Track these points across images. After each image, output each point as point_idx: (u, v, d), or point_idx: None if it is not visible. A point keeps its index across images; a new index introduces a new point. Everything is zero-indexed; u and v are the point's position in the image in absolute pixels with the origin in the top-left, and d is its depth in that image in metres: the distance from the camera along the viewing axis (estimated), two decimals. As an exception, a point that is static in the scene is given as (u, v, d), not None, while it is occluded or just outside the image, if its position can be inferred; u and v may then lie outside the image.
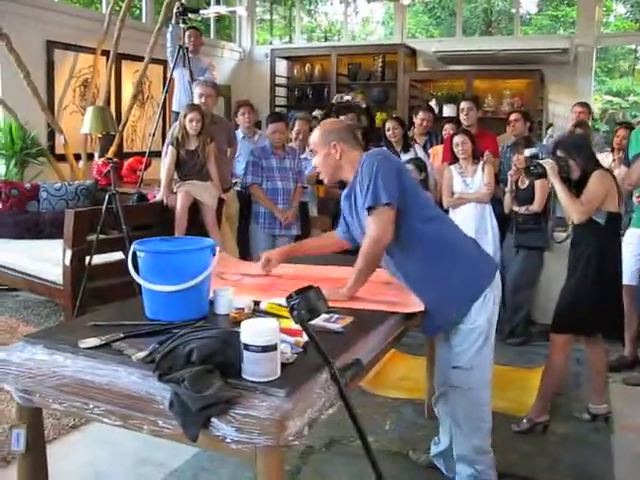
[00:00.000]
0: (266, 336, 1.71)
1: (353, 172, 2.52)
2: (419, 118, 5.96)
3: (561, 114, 7.68)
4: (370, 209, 2.37)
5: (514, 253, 4.71)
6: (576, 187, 3.25)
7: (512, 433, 3.30)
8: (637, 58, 12.61)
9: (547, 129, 7.29)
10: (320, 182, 5.48)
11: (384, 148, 2.65)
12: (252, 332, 1.71)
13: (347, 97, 8.31)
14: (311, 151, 2.67)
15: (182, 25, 5.90)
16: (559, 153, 3.30)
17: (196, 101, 4.86)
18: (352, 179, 2.54)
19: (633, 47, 11.86)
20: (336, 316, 2.26)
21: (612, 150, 5.35)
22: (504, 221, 4.88)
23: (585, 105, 5.95)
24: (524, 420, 3.33)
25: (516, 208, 4.66)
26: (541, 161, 3.35)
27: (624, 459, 3.09)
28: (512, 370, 4.17)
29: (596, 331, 3.36)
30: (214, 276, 2.84)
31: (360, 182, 2.43)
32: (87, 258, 3.97)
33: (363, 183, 2.40)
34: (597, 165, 3.33)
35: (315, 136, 2.61)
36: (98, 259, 4.04)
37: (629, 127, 5.07)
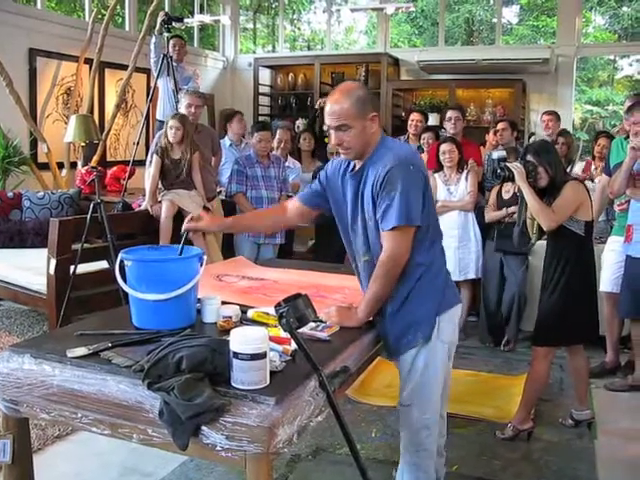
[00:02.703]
0: (255, 344, 1.72)
1: (373, 148, 2.23)
2: (410, 119, 6.00)
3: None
4: (396, 227, 2.13)
5: (497, 260, 4.74)
6: (540, 195, 3.23)
7: (497, 440, 3.33)
8: (616, 68, 12.80)
9: (529, 138, 7.36)
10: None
11: (413, 151, 2.39)
12: (241, 340, 1.72)
13: (329, 102, 8.33)
14: (339, 127, 2.17)
15: (166, 34, 5.90)
16: (529, 158, 3.25)
17: (184, 111, 4.86)
18: (367, 158, 2.23)
19: (612, 58, 12.05)
20: (323, 324, 2.28)
21: (593, 158, 5.44)
22: (486, 229, 4.92)
23: (553, 113, 6.03)
24: (508, 427, 3.35)
25: (499, 212, 4.67)
26: (509, 164, 3.31)
27: (607, 464, 3.12)
28: (497, 377, 4.21)
29: (581, 341, 3.39)
30: (212, 278, 2.88)
31: (380, 183, 2.14)
32: (71, 267, 3.95)
33: (387, 191, 2.13)
34: (566, 175, 3.35)
35: (346, 106, 2.14)
36: (82, 268, 4.02)
37: (609, 136, 5.15)
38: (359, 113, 2.15)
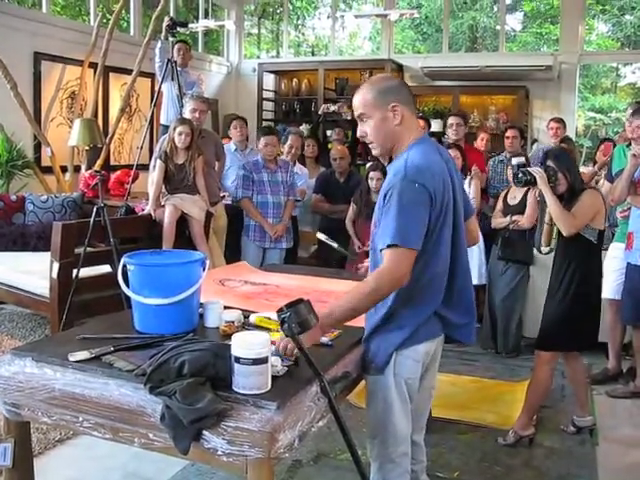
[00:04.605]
0: (257, 349, 1.72)
1: (406, 146, 2.09)
2: None
3: (545, 130, 7.77)
4: (392, 245, 1.97)
5: (501, 267, 4.74)
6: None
7: (498, 446, 3.32)
8: (619, 76, 12.82)
9: (532, 144, 7.37)
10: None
11: (423, 167, 2.03)
12: (243, 345, 1.73)
13: (333, 108, 8.35)
14: (359, 117, 2.12)
15: (171, 39, 5.92)
16: (549, 163, 3.27)
17: (188, 116, 4.87)
18: (402, 159, 2.06)
19: (614, 65, 12.06)
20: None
21: (594, 165, 5.44)
22: (490, 235, 4.91)
23: (560, 121, 6.05)
24: (510, 433, 3.35)
25: (504, 219, 4.67)
26: (530, 169, 3.32)
27: (608, 470, 3.11)
28: (499, 384, 4.20)
29: (585, 347, 3.39)
30: (215, 282, 2.89)
31: (384, 195, 2.04)
32: (74, 271, 3.96)
33: (387, 206, 2.01)
34: (583, 182, 3.36)
35: (366, 97, 2.09)
36: (85, 272, 4.02)
37: (613, 143, 5.15)
38: (378, 102, 2.06)
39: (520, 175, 3.35)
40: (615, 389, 4.06)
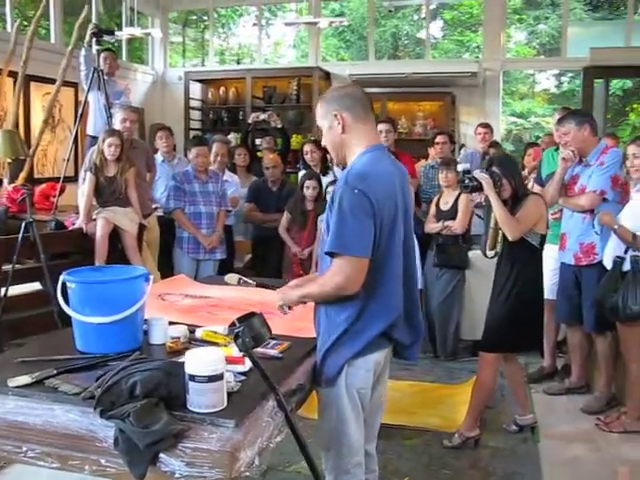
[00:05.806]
0: (212, 366, 1.67)
1: (357, 154, 2.11)
2: None
3: (472, 135, 7.95)
4: (336, 254, 2.00)
5: (437, 272, 4.81)
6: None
7: (445, 449, 3.36)
8: (535, 82, 13.33)
9: (460, 150, 7.51)
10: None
11: (366, 173, 2.04)
12: (197, 362, 1.67)
13: (263, 116, 8.28)
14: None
15: (96, 47, 5.74)
16: (495, 169, 3.34)
17: (118, 126, 4.74)
18: (348, 167, 2.11)
19: (531, 72, 12.53)
20: (273, 342, 2.24)
21: (523, 168, 5.59)
22: (425, 240, 4.97)
23: (488, 126, 6.20)
24: (455, 435, 3.39)
25: (437, 225, 4.75)
26: (476, 175, 3.36)
27: (551, 466, 3.21)
28: (439, 387, 4.26)
29: (528, 348, 3.47)
30: (155, 297, 2.80)
31: (330, 201, 2.08)
32: (2, 289, 3.77)
33: (333, 212, 2.03)
34: (526, 188, 3.45)
35: (317, 108, 2.20)
36: (14, 290, 3.84)
37: (541, 147, 5.31)
38: (324, 112, 2.16)
39: (466, 181, 3.38)
40: (551, 386, 4.18)
